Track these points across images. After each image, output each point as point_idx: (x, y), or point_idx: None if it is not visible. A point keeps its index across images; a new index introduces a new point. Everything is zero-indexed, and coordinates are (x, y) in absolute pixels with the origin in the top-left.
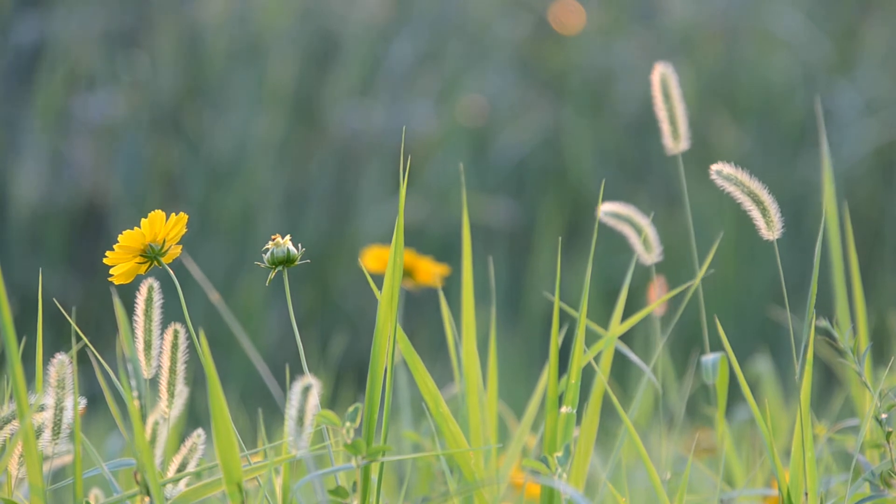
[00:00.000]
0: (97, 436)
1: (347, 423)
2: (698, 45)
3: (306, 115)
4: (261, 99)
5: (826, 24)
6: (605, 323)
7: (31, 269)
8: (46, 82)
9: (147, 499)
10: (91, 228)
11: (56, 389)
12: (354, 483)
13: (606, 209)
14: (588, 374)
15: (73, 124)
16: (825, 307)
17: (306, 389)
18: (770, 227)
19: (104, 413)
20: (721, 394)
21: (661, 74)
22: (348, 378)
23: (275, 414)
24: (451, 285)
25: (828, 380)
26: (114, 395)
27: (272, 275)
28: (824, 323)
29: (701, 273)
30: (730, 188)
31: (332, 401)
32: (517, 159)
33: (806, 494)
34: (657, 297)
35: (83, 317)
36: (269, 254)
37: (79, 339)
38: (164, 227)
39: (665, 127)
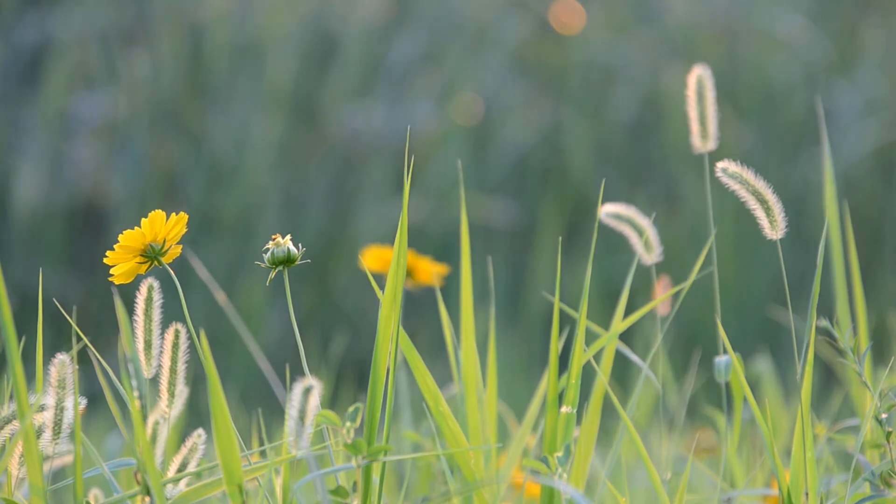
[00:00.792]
0: (97, 436)
1: (348, 423)
2: (699, 45)
3: (306, 114)
4: (261, 99)
5: (826, 24)
6: (605, 323)
7: (31, 269)
8: (47, 82)
9: (147, 499)
10: (91, 228)
11: (56, 389)
12: (355, 483)
13: (607, 210)
14: (589, 375)
15: (73, 124)
16: (825, 307)
17: (307, 389)
18: (774, 226)
19: (104, 413)
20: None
21: (698, 77)
22: (349, 378)
23: (275, 414)
24: (451, 285)
25: (828, 379)
26: (114, 395)
27: (272, 275)
28: (825, 323)
29: (695, 271)
30: (735, 186)
31: (332, 401)
32: (517, 159)
33: (806, 494)
34: (661, 296)
35: (83, 317)
36: (269, 254)
37: (79, 339)
38: (164, 227)
39: (694, 126)
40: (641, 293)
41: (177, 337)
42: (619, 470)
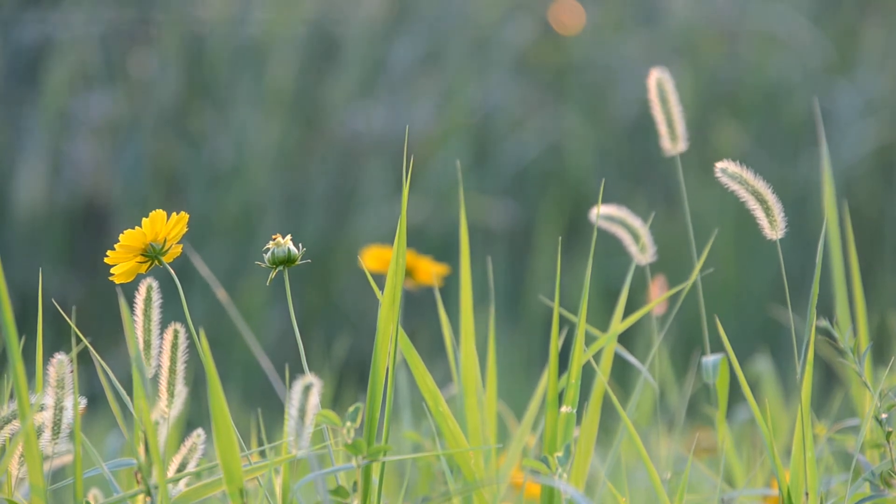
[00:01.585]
0: (97, 436)
1: (348, 423)
2: (699, 46)
3: (307, 115)
4: (262, 99)
5: (826, 24)
6: (605, 323)
7: (31, 269)
8: (47, 82)
9: (148, 499)
10: (92, 228)
11: (56, 389)
12: (355, 483)
13: (601, 213)
14: (588, 375)
15: (74, 124)
16: (825, 307)
17: (307, 387)
18: (773, 226)
19: (104, 413)
20: (722, 394)
21: (658, 79)
22: (349, 378)
23: (275, 414)
24: (451, 285)
25: (828, 380)
26: (114, 395)
27: (273, 275)
28: (825, 323)
29: (696, 271)
30: (734, 186)
31: (334, 401)
32: (517, 160)
33: (806, 494)
34: (658, 296)
35: (83, 316)
36: (269, 254)
37: (79, 339)
38: (164, 227)
39: (662, 129)
40: (641, 294)
41: (176, 337)
42: (619, 470)
